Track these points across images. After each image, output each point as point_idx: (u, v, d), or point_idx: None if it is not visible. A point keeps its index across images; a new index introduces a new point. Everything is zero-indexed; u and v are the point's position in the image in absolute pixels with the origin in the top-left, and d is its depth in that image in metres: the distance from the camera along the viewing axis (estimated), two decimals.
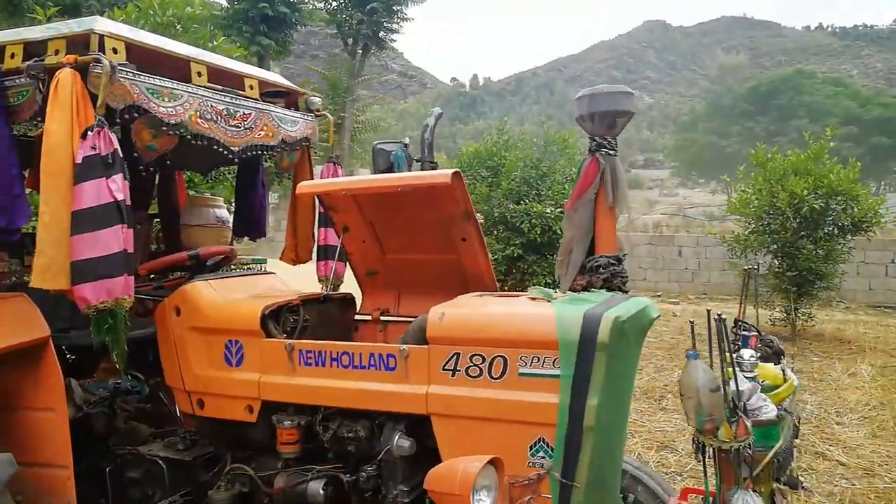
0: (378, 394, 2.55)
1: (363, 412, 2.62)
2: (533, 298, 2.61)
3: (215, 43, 8.41)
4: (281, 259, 3.83)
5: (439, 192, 2.81)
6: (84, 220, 2.48)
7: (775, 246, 10.69)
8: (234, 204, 4.18)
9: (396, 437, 2.49)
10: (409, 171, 3.41)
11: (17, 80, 2.67)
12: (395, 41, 30.61)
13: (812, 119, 45.29)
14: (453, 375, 2.44)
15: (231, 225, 4.01)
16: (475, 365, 2.41)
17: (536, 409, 2.30)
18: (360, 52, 29.11)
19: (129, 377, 3.42)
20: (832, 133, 10.82)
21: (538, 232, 10.49)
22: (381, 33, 29.05)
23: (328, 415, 2.68)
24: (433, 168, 3.43)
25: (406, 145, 3.48)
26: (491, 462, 2.19)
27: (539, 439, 2.31)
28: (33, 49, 2.70)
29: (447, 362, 2.45)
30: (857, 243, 11.63)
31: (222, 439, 2.97)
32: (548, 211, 10.60)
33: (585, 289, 2.91)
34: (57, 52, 2.61)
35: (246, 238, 4.12)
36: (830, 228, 10.55)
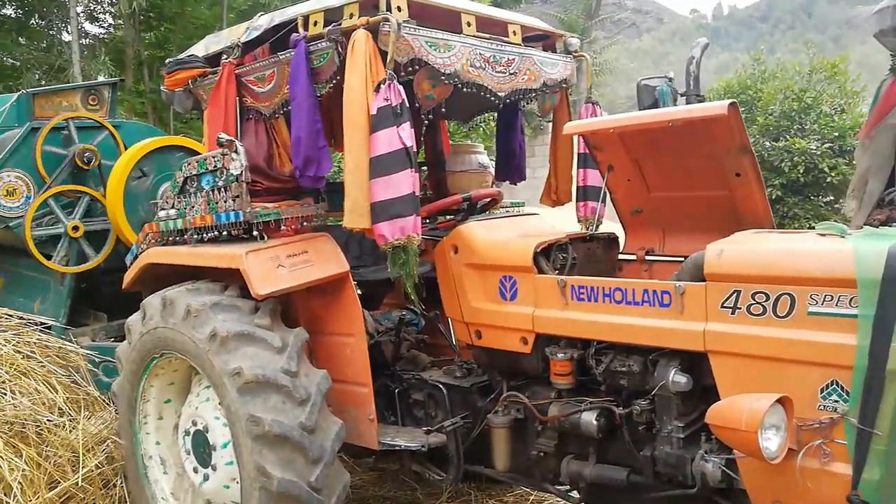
0: (652, 329, 2.56)
1: (636, 347, 2.65)
2: (822, 234, 2.44)
3: None
4: (541, 201, 3.95)
5: (713, 124, 2.70)
6: (379, 166, 2.77)
7: None
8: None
9: (672, 372, 2.49)
10: (675, 105, 3.30)
11: (319, 45, 3.02)
12: None
13: None
14: (733, 313, 2.38)
15: (492, 170, 4.19)
16: (758, 303, 2.32)
17: (829, 349, 2.17)
18: None
19: (410, 310, 3.79)
20: None
21: (801, 171, 9.61)
22: None
23: (600, 349, 2.75)
24: (700, 102, 3.29)
25: (671, 80, 3.36)
26: (779, 401, 2.12)
27: (832, 382, 2.18)
28: (330, 16, 3.03)
29: (727, 299, 2.39)
30: None
31: (497, 368, 3.19)
32: (812, 147, 9.63)
33: (885, 223, 2.63)
34: (351, 16, 2.91)
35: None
36: None
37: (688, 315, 2.48)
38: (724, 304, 2.39)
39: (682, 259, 2.96)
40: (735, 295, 2.37)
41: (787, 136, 9.92)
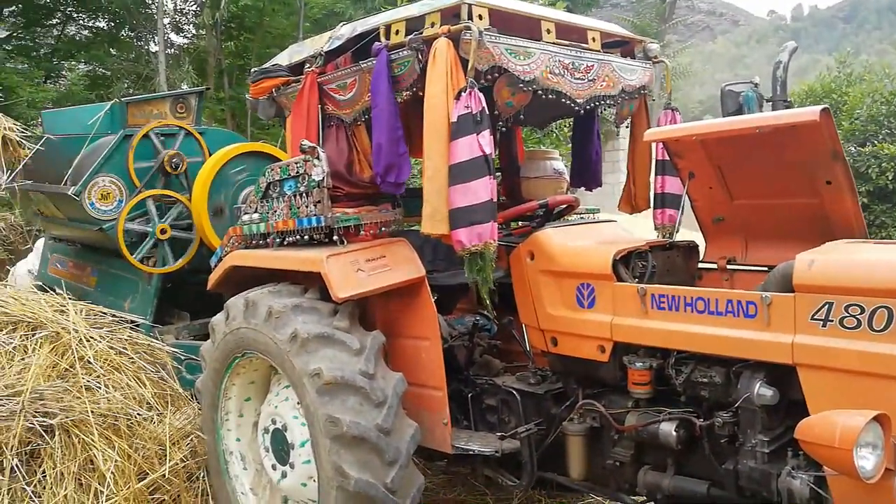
0: (736, 340, 2.50)
1: (718, 358, 2.59)
2: None
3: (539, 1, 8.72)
4: (619, 208, 3.90)
5: (804, 131, 2.62)
6: (459, 173, 2.80)
7: None
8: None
9: (757, 385, 2.43)
10: (760, 111, 3.21)
11: (401, 53, 3.08)
12: None
13: None
14: (824, 325, 2.30)
15: (567, 176, 4.17)
16: (852, 315, 2.24)
17: None
18: None
19: (483, 315, 3.80)
20: None
21: (889, 177, 9.18)
22: None
23: (681, 359, 2.70)
24: (787, 108, 3.19)
25: (756, 85, 3.27)
26: (876, 418, 2.03)
27: None
28: (412, 25, 3.08)
29: (817, 311, 2.31)
30: None
31: (573, 376, 3.16)
32: None
33: None
34: (433, 25, 2.95)
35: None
36: None
37: (775, 327, 2.41)
38: (815, 317, 2.32)
39: (764, 269, 2.88)
40: (827, 307, 2.29)
41: (875, 141, 9.50)
